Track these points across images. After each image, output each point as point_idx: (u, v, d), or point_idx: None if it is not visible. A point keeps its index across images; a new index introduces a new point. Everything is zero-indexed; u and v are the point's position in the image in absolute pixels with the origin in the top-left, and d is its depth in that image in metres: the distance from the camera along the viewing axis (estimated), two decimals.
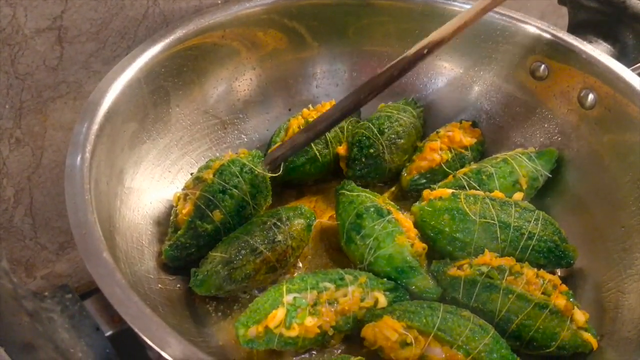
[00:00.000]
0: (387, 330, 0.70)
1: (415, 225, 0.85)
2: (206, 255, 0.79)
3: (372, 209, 0.81)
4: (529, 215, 0.81)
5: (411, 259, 0.78)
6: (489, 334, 0.69)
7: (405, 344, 0.70)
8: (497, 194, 0.84)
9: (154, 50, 0.83)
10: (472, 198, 0.82)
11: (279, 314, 0.69)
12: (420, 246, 0.80)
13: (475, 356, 0.68)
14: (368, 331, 0.72)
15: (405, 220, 0.82)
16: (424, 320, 0.70)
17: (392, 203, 0.85)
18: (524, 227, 0.80)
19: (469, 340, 0.68)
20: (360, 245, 0.80)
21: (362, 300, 0.74)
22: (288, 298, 0.71)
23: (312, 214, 0.84)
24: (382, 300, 0.74)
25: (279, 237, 0.78)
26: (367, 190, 0.87)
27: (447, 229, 0.81)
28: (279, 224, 0.79)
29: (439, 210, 0.82)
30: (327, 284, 0.73)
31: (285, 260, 0.80)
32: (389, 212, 0.81)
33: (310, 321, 0.70)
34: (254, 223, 0.80)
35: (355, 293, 0.73)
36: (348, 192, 0.85)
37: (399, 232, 0.79)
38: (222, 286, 0.75)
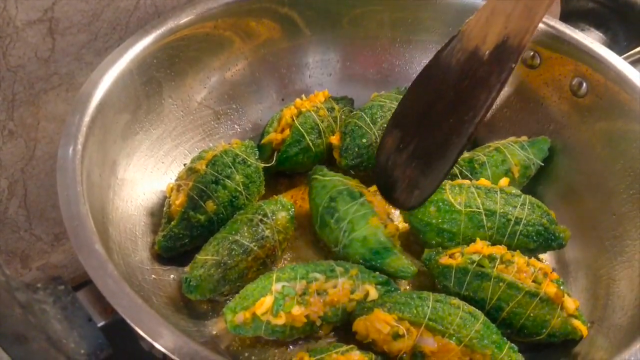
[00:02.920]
0: (379, 323, 0.71)
1: (405, 218, 0.85)
2: (195, 260, 0.78)
3: (345, 192, 0.82)
4: (515, 200, 0.82)
5: (385, 240, 0.79)
6: (479, 321, 0.70)
7: (397, 336, 0.70)
8: (483, 181, 0.84)
9: (145, 41, 0.83)
10: (457, 188, 0.82)
11: (267, 301, 0.70)
12: (394, 227, 0.81)
13: (467, 343, 0.68)
14: (360, 325, 0.73)
15: (379, 201, 0.83)
16: (415, 311, 0.70)
17: (363, 186, 0.86)
18: (510, 213, 0.81)
19: (460, 328, 0.69)
20: (335, 228, 0.81)
21: (352, 292, 0.74)
22: (277, 286, 0.71)
23: (291, 205, 0.84)
24: (373, 293, 0.75)
25: (267, 233, 0.79)
26: (340, 174, 0.87)
27: (434, 221, 0.81)
28: (265, 219, 0.80)
29: (432, 199, 0.82)
30: (317, 275, 0.73)
31: (274, 255, 0.80)
32: (362, 195, 0.82)
33: (297, 310, 0.70)
34: (239, 221, 0.80)
35: (345, 285, 0.74)
36: (321, 177, 0.86)
37: (372, 214, 0.80)
38: (217, 288, 0.76)
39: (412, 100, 0.82)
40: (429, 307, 0.70)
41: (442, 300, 0.72)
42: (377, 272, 0.78)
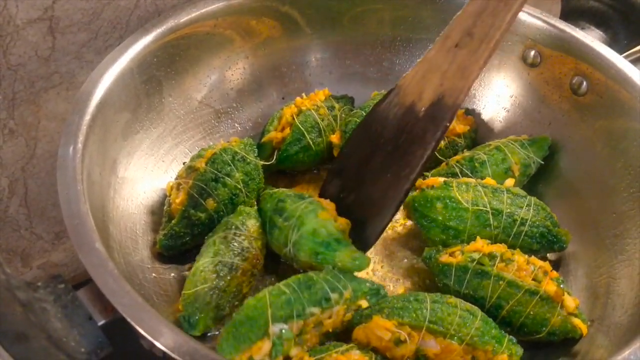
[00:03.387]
0: (380, 331, 0.69)
1: (409, 214, 0.85)
2: (184, 296, 0.74)
3: (292, 195, 0.82)
4: (521, 201, 0.82)
5: (335, 232, 0.77)
6: (477, 318, 0.70)
7: (399, 342, 0.69)
8: (489, 181, 0.84)
9: (146, 39, 0.83)
10: (464, 186, 0.82)
11: (265, 347, 0.67)
12: (344, 221, 0.79)
13: (469, 342, 0.68)
14: (359, 333, 0.72)
15: (327, 202, 0.82)
16: (414, 315, 0.70)
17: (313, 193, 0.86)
18: (516, 213, 0.81)
19: (460, 328, 0.69)
20: (284, 226, 0.78)
21: (345, 314, 0.73)
22: (274, 329, 0.67)
23: (255, 211, 0.83)
24: (364, 304, 0.74)
25: (245, 244, 0.78)
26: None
27: (440, 218, 0.81)
28: (238, 232, 0.78)
29: (432, 199, 0.82)
30: (314, 310, 0.70)
31: (259, 263, 0.79)
32: (310, 196, 0.82)
33: (295, 352, 0.69)
34: (214, 243, 0.78)
35: (340, 311, 0.72)
36: (269, 190, 0.86)
37: (321, 209, 0.79)
38: (218, 314, 0.74)
39: (352, 151, 0.84)
40: (427, 309, 0.70)
41: (439, 301, 0.71)
42: (369, 282, 0.76)
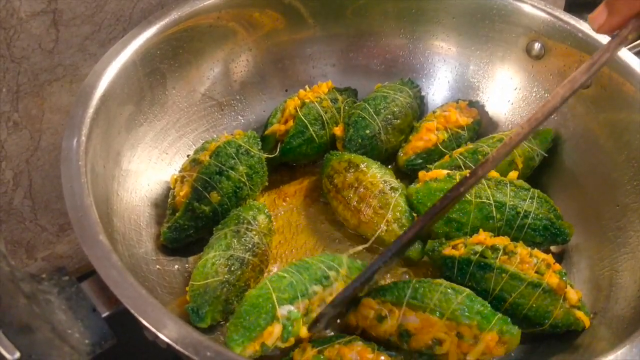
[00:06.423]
0: (364, 310, 0.72)
1: (412, 206, 0.85)
2: (193, 287, 0.74)
3: None
4: (524, 193, 0.82)
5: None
6: (462, 294, 0.70)
7: (381, 318, 0.71)
8: (492, 173, 0.84)
9: (149, 32, 0.83)
10: None
11: (276, 330, 0.68)
12: None
13: (450, 316, 0.69)
14: (351, 319, 0.74)
15: None
16: (396, 293, 0.72)
17: None
18: (519, 205, 0.81)
19: (441, 303, 0.69)
20: None
21: None
22: (282, 311, 0.68)
23: (264, 206, 0.84)
24: None
25: (256, 239, 0.78)
26: None
27: None
28: (250, 227, 0.79)
29: (435, 191, 0.82)
30: (316, 288, 0.71)
31: (266, 259, 0.81)
32: None
33: (304, 331, 0.69)
34: (226, 236, 0.78)
35: (339, 288, 0.73)
36: None
37: None
38: (226, 308, 0.74)
39: None
40: (409, 287, 0.71)
41: (424, 281, 0.73)
42: (360, 261, 0.78)
